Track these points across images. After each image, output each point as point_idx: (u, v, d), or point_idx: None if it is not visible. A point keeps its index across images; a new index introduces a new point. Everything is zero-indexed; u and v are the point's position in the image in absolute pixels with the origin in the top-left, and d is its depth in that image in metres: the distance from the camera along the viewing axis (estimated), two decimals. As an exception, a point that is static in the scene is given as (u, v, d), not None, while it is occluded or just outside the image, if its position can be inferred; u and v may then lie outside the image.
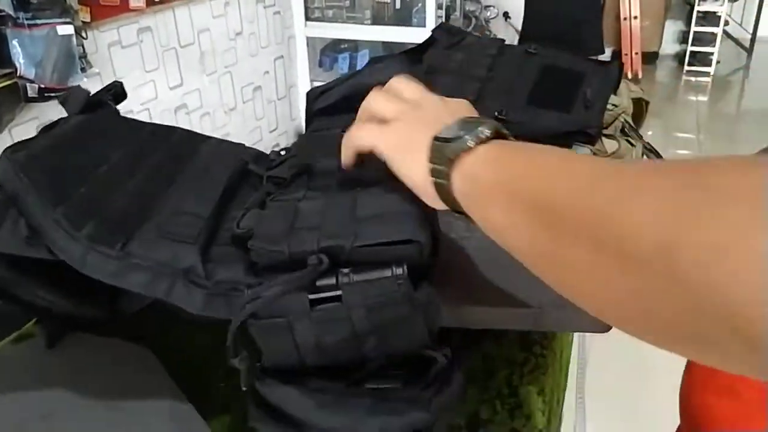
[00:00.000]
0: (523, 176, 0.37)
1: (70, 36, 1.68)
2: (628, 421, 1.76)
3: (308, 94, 0.67)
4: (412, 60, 0.86)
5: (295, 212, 0.48)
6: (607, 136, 1.30)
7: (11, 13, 1.54)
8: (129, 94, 0.68)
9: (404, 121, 0.45)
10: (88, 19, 1.85)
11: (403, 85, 0.48)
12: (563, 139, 1.24)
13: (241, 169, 0.58)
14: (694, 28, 4.38)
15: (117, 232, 0.47)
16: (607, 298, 0.31)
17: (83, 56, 1.79)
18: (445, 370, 0.46)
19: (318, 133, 0.64)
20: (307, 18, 2.89)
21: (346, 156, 0.49)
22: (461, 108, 0.46)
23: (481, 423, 0.58)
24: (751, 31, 4.74)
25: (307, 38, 2.93)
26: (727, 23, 4.49)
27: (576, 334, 0.88)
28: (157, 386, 0.51)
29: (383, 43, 2.84)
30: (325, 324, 0.44)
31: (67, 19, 1.67)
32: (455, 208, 0.42)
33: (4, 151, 0.51)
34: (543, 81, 0.80)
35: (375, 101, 0.48)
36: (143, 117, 2.10)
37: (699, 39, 4.40)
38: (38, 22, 1.62)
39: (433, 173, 0.41)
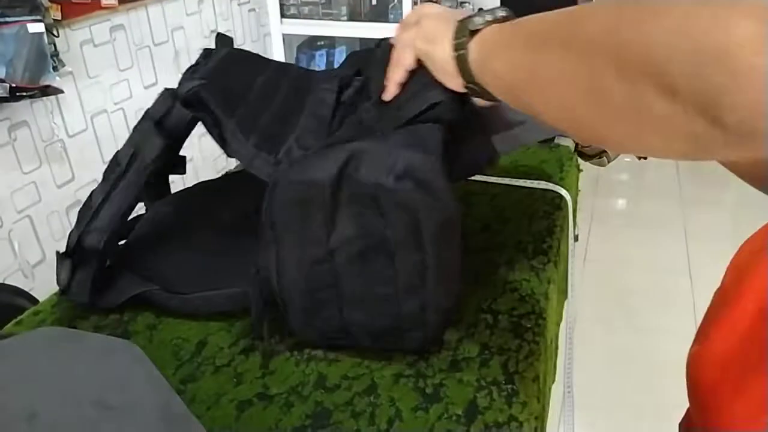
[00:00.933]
0: (536, 22, 0.44)
1: (41, 34, 1.64)
2: (613, 411, 1.78)
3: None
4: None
5: (361, 119, 0.63)
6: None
7: (-22, 10, 1.50)
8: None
9: (431, 19, 0.56)
10: (59, 17, 1.81)
11: (418, 9, 0.60)
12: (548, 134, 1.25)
13: (340, 92, 0.72)
14: None
15: (272, 145, 0.63)
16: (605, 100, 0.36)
17: (55, 54, 1.75)
18: None
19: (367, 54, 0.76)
20: (283, 15, 2.87)
21: (396, 72, 0.61)
22: (466, 10, 0.59)
23: (478, 411, 0.58)
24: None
25: (283, 35, 2.90)
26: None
27: (564, 323, 0.88)
28: (146, 381, 0.50)
29: (360, 39, 2.82)
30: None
31: (38, 17, 1.63)
32: (470, 80, 0.52)
33: (185, 72, 0.70)
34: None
35: (403, 27, 0.60)
36: (118, 116, 2.06)
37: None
38: (8, 20, 1.57)
39: (456, 47, 0.51)
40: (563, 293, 0.89)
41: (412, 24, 0.58)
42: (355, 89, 0.72)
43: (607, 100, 0.35)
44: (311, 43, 3.07)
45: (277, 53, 2.91)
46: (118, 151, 0.69)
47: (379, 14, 2.83)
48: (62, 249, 0.69)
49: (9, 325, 0.72)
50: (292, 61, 3.01)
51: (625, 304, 2.28)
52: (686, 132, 0.31)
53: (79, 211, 0.70)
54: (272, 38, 2.89)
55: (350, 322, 0.61)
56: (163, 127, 0.65)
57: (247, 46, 2.78)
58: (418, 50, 0.58)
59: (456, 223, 0.58)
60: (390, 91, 0.61)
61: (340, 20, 2.87)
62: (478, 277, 0.75)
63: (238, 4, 2.69)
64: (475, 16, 0.51)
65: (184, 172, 0.80)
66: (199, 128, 0.66)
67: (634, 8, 0.33)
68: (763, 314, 0.49)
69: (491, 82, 0.50)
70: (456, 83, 0.54)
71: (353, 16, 2.85)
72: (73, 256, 0.67)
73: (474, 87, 0.52)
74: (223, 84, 0.67)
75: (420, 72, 0.59)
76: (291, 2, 2.86)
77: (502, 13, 0.50)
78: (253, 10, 2.79)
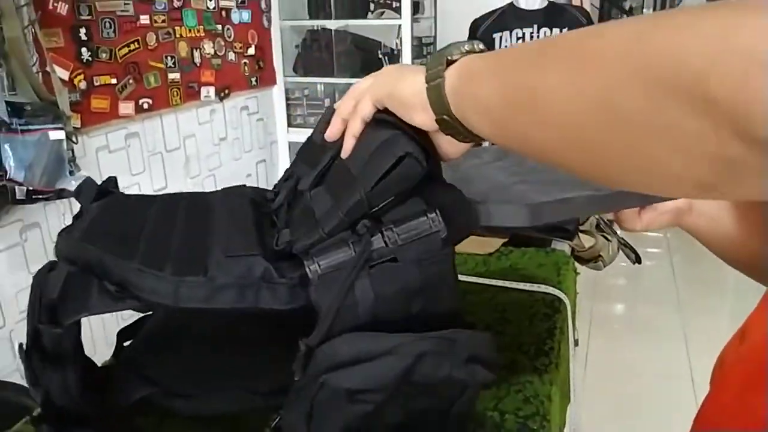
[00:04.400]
0: (528, 44, 0.42)
1: (60, 141, 1.73)
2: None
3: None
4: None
5: (311, 210, 0.57)
6: (584, 232, 1.36)
7: (5, 119, 1.59)
8: None
9: (387, 70, 0.54)
10: (78, 125, 1.91)
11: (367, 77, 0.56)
12: (543, 233, 1.30)
13: (254, 203, 0.67)
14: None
15: (194, 265, 0.53)
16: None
17: (72, 160, 1.83)
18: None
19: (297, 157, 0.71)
20: (290, 125, 3.02)
21: (345, 102, 0.56)
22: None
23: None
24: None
25: (289, 143, 3.04)
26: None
27: (567, 428, 0.88)
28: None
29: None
30: (382, 280, 0.51)
31: (59, 125, 1.72)
32: (442, 112, 0.45)
33: (59, 234, 0.58)
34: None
35: (346, 97, 0.57)
36: (126, 218, 2.11)
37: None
38: (31, 128, 1.66)
39: (429, 78, 0.46)
40: (566, 397, 0.90)
41: (364, 84, 0.55)
42: (276, 192, 0.69)
43: (625, 118, 0.30)
44: (315, 150, 3.20)
45: (283, 159, 3.03)
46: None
47: (381, 124, 2.98)
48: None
49: (20, 423, 0.72)
50: (296, 167, 3.12)
51: (628, 411, 2.23)
52: (715, 154, 0.27)
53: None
54: (278, 145, 3.02)
55: None
56: (47, 356, 0.55)
57: (254, 153, 2.91)
58: (376, 95, 0.53)
59: None
60: (348, 145, 0.56)
61: (343, 130, 3.01)
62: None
63: (248, 114, 2.84)
64: (450, 47, 0.46)
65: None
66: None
67: (664, 16, 0.29)
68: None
69: (473, 111, 0.43)
70: (424, 117, 0.48)
71: (356, 126, 2.99)
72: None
73: (448, 120, 0.46)
74: (109, 231, 0.60)
75: (371, 134, 0.54)
76: (298, 113, 3.02)
77: (480, 46, 0.46)
78: (262, 119, 2.94)
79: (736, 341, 0.53)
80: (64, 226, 0.60)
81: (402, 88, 0.50)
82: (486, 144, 0.53)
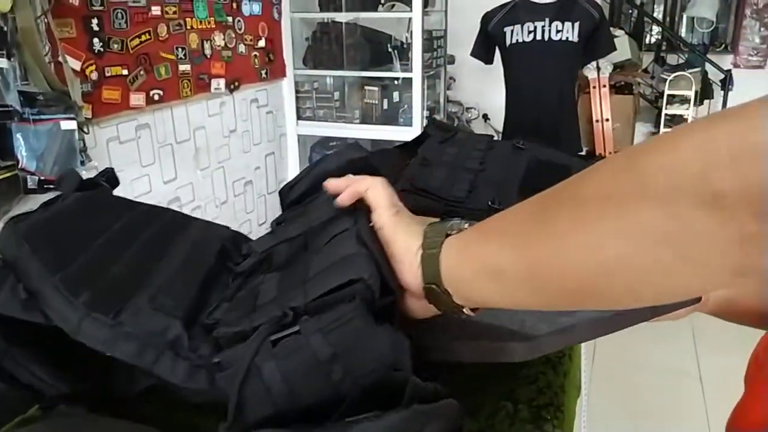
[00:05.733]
0: (521, 208, 0.42)
1: (72, 131, 1.74)
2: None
3: (281, 192, 0.72)
4: (408, 152, 0.91)
5: (256, 295, 0.52)
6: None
7: (18, 108, 1.60)
8: (124, 188, 0.74)
9: (383, 204, 0.51)
10: (90, 116, 1.92)
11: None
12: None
13: (223, 252, 0.63)
14: (662, 130, 4.63)
15: (111, 302, 0.48)
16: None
17: (83, 150, 1.84)
18: (425, 392, 0.45)
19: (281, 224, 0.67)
20: (299, 117, 3.02)
21: (349, 193, 0.53)
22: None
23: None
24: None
25: (298, 136, 3.04)
26: (693, 125, 4.74)
27: (578, 419, 0.88)
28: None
29: (372, 141, 2.95)
30: (288, 358, 0.45)
31: (71, 115, 1.73)
32: (432, 281, 0.45)
33: (7, 221, 0.54)
34: (532, 173, 0.85)
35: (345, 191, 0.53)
36: (137, 209, 2.12)
37: (668, 140, 4.63)
38: (43, 117, 1.67)
39: (425, 246, 0.46)
40: (577, 389, 0.90)
41: (361, 187, 0.53)
42: (256, 259, 0.62)
43: (642, 236, 0.32)
44: (324, 143, 3.20)
45: (292, 152, 3.04)
46: None
47: (390, 118, 2.98)
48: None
49: (33, 409, 0.72)
50: (306, 159, 3.13)
51: (636, 405, 2.23)
52: (740, 236, 0.30)
53: None
54: (287, 138, 3.02)
55: None
56: None
57: (264, 145, 2.91)
58: (378, 216, 0.50)
59: None
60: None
61: (353, 122, 3.01)
62: (498, 369, 0.76)
63: (257, 107, 2.84)
64: (451, 221, 0.46)
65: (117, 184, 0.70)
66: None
67: (643, 145, 0.33)
68: None
69: (480, 277, 0.42)
70: (410, 279, 0.47)
71: (365, 120, 3.00)
72: None
73: (435, 289, 0.45)
74: (56, 233, 0.55)
75: (345, 241, 0.51)
76: (307, 105, 3.02)
77: (468, 225, 0.46)
78: (271, 112, 2.94)
79: None
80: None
81: (397, 236, 0.48)
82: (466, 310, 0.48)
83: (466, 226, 0.45)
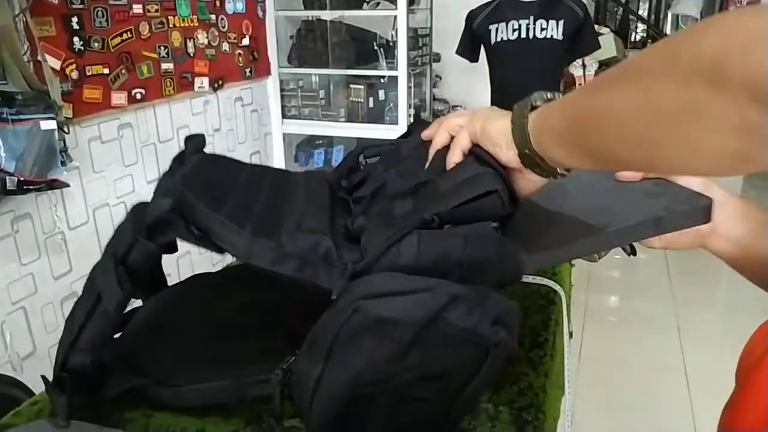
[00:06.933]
0: (579, 91, 0.50)
1: (52, 131, 1.71)
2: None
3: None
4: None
5: (390, 209, 0.63)
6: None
7: (-5, 108, 1.57)
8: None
9: (477, 114, 0.61)
10: (70, 115, 1.90)
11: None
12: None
13: (331, 187, 0.74)
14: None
15: (270, 230, 0.59)
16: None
17: (64, 150, 1.81)
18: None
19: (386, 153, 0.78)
20: (284, 116, 3.00)
21: (440, 134, 0.64)
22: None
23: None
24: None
25: (284, 134, 3.02)
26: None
27: (561, 419, 0.88)
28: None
29: (357, 139, 2.94)
30: (428, 242, 0.56)
31: (51, 115, 1.70)
32: (524, 147, 0.54)
33: (164, 174, 0.65)
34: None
35: (453, 117, 0.65)
36: (119, 210, 2.10)
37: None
38: (22, 117, 1.64)
39: (514, 120, 0.55)
40: (561, 389, 0.90)
41: (458, 120, 0.63)
42: (358, 179, 0.75)
43: (663, 112, 0.38)
44: (310, 141, 3.19)
45: (277, 150, 3.02)
46: (95, 266, 0.64)
47: (376, 117, 2.97)
48: (52, 342, 0.68)
49: (8, 416, 0.71)
50: (291, 158, 3.11)
51: (622, 403, 2.24)
52: (740, 122, 0.33)
53: (66, 321, 0.65)
54: (273, 137, 3.01)
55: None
56: (127, 266, 0.58)
57: (249, 144, 2.89)
58: (472, 129, 0.61)
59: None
60: (449, 166, 0.63)
61: (338, 121, 3.00)
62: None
63: (242, 105, 2.82)
64: (534, 94, 0.56)
65: (175, 250, 0.80)
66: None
67: (684, 29, 0.38)
68: None
69: (550, 141, 0.52)
70: (509, 154, 0.56)
71: (351, 118, 2.98)
72: (63, 385, 0.63)
73: (529, 154, 0.54)
74: (204, 183, 0.64)
75: (467, 165, 0.60)
76: (292, 104, 3.00)
77: (559, 96, 0.55)
78: (256, 111, 2.92)
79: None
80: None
81: (491, 127, 0.58)
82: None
83: (549, 95, 0.55)
